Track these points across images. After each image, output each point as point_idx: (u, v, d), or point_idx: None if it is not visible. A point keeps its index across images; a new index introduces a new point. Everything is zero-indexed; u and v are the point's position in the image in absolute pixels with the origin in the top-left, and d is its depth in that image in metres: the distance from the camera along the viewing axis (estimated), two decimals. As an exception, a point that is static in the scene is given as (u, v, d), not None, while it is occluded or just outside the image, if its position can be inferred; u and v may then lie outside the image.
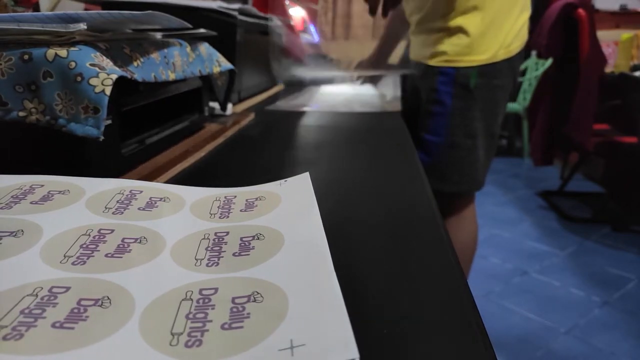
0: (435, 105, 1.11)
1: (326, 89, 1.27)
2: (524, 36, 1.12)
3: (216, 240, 0.30)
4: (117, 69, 0.39)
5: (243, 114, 0.80)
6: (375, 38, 1.54)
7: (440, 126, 1.11)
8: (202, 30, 0.63)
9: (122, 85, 0.40)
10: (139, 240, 0.29)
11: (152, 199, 0.35)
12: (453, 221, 1.21)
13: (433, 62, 1.12)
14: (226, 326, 0.21)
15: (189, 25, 0.58)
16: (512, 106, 3.40)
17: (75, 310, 0.21)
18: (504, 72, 1.10)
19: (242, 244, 0.29)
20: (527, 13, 1.11)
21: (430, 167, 1.12)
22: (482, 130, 1.12)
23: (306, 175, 0.39)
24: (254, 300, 0.23)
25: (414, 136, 1.01)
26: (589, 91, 2.14)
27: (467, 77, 1.07)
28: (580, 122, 2.17)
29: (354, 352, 0.19)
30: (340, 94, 1.18)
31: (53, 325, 0.20)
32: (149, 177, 0.44)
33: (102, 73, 0.37)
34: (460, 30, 1.06)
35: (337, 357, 0.19)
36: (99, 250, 0.27)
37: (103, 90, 0.37)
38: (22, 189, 0.34)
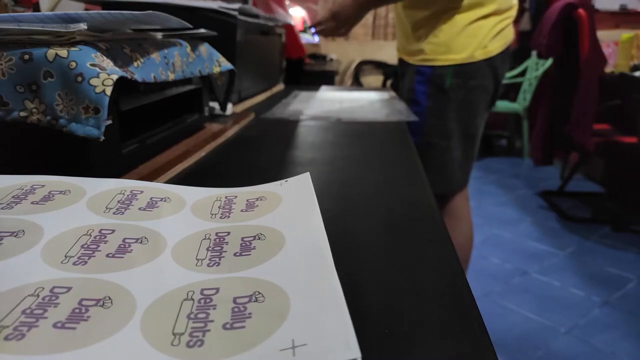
0: (413, 105, 1.11)
1: (326, 94, 1.23)
2: (505, 37, 1.11)
3: (217, 240, 0.30)
4: (117, 69, 0.39)
5: (243, 114, 0.80)
6: (376, 38, 1.55)
7: (416, 126, 1.11)
8: (202, 30, 0.63)
9: (122, 85, 0.40)
10: (139, 241, 0.29)
11: (153, 199, 0.35)
12: (446, 222, 1.21)
13: (412, 60, 1.12)
14: (228, 326, 0.21)
15: (189, 25, 0.58)
16: (512, 106, 3.40)
17: (77, 311, 0.21)
18: (482, 72, 1.09)
19: (243, 244, 0.29)
20: (512, 12, 1.10)
21: None
22: (457, 131, 1.11)
23: (307, 175, 0.39)
24: (256, 300, 0.23)
25: None
26: (589, 91, 2.14)
27: (442, 77, 1.07)
28: (580, 122, 2.17)
29: (356, 352, 0.19)
30: (341, 100, 1.14)
31: (54, 326, 0.20)
32: (149, 177, 0.44)
33: (102, 73, 0.37)
34: (438, 28, 1.06)
35: (339, 356, 0.19)
36: (100, 251, 0.27)
37: (104, 91, 0.37)
38: (23, 189, 0.34)
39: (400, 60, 1.20)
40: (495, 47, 1.09)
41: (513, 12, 1.11)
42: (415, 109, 1.10)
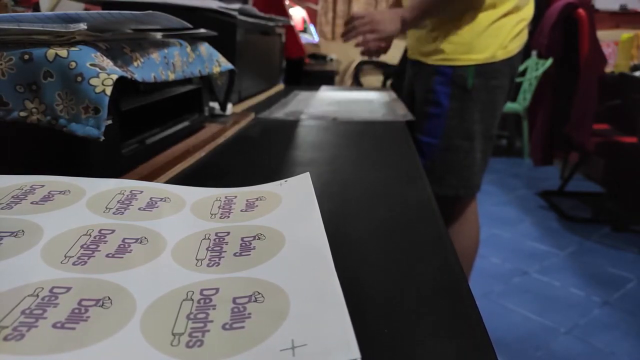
0: (432, 106, 1.09)
1: (326, 94, 1.23)
2: (523, 37, 1.11)
3: (217, 240, 0.30)
4: (117, 69, 0.39)
5: (243, 114, 0.80)
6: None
7: (436, 128, 1.09)
8: (202, 30, 0.63)
9: (122, 85, 0.40)
10: (139, 241, 0.29)
11: (153, 199, 0.35)
12: (454, 225, 1.19)
13: (430, 61, 1.10)
14: (227, 326, 0.21)
15: (189, 25, 0.58)
16: (512, 106, 3.40)
17: (76, 311, 0.21)
18: (502, 72, 1.08)
19: (243, 244, 0.29)
20: (529, 11, 1.10)
21: (426, 170, 1.08)
22: (480, 133, 1.10)
23: (306, 175, 0.39)
24: (255, 301, 0.23)
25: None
26: (589, 91, 2.14)
27: (464, 77, 1.06)
28: (580, 122, 2.17)
29: (356, 352, 0.19)
30: (341, 100, 1.13)
31: (54, 326, 0.20)
32: (149, 177, 0.44)
33: (102, 73, 0.37)
34: (460, 27, 1.05)
35: (339, 357, 0.19)
36: (99, 251, 0.27)
37: (103, 91, 0.37)
38: (22, 189, 0.34)
39: (412, 61, 1.18)
40: (514, 47, 1.08)
41: (530, 12, 1.10)
42: (436, 111, 1.08)
